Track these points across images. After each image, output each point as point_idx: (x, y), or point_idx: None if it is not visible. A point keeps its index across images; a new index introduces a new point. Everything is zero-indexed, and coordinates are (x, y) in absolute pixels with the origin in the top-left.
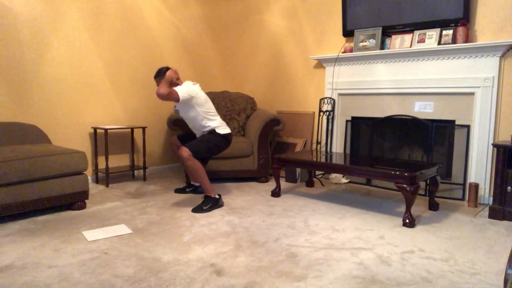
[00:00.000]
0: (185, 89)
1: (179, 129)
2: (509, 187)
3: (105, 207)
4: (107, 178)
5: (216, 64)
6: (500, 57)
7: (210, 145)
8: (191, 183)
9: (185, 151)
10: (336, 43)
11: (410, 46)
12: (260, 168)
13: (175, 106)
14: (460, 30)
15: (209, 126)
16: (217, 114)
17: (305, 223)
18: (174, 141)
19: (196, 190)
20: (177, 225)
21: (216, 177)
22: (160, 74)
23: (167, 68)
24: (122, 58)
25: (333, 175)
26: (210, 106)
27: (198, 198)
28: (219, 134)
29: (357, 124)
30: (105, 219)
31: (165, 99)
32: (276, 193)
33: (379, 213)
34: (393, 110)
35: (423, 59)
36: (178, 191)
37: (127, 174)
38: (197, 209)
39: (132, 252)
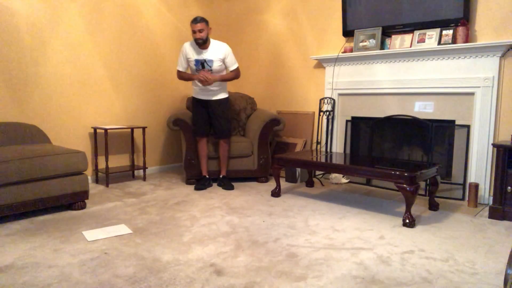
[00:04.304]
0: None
1: (179, 129)
2: (509, 187)
3: (105, 207)
4: (107, 178)
5: None
6: (500, 57)
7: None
8: (206, 176)
9: (226, 141)
10: (336, 43)
11: (410, 46)
12: (260, 168)
13: (200, 64)
14: (460, 30)
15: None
16: None
17: (305, 223)
18: (204, 147)
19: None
20: (177, 225)
21: (216, 177)
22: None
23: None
24: (122, 58)
25: (333, 175)
26: None
27: (201, 197)
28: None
29: (357, 124)
30: (105, 219)
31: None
32: (276, 193)
33: (379, 213)
34: (393, 110)
35: (423, 59)
36: (199, 188)
37: (127, 174)
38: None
39: (132, 252)
